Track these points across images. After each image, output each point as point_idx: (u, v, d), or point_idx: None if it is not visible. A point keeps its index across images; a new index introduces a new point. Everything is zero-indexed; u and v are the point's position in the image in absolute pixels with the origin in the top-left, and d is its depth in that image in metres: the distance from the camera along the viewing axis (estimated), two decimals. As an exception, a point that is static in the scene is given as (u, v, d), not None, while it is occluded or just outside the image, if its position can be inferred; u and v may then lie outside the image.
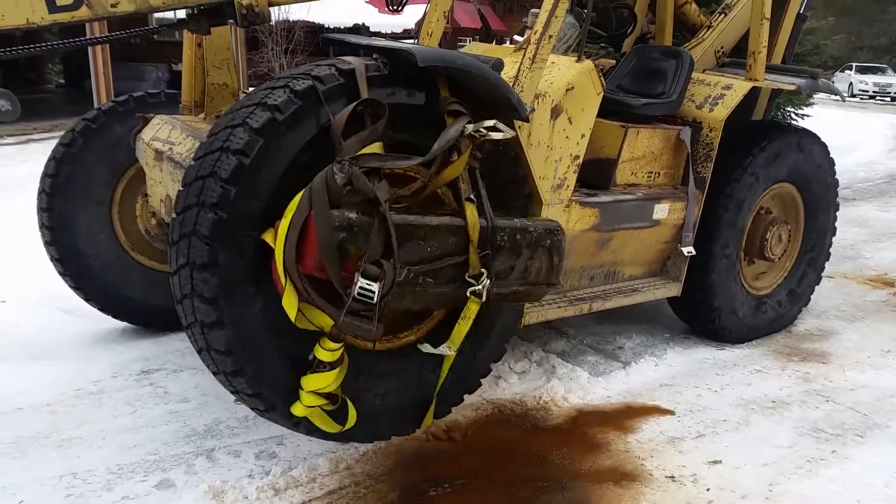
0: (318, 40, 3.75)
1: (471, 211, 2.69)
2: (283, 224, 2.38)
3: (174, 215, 2.51)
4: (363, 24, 19.24)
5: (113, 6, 2.81)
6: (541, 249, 2.88)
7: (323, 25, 17.12)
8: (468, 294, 2.71)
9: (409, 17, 18.14)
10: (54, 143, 4.03)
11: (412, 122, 2.71)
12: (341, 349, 2.58)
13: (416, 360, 2.97)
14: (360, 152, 2.48)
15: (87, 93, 11.40)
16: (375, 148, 2.55)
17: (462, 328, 2.84)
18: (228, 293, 2.44)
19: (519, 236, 2.81)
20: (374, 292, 2.39)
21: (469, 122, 2.66)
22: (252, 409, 2.74)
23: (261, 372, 2.57)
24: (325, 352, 2.55)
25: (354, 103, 2.51)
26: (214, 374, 2.64)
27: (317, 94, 2.52)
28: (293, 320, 2.43)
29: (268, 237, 2.44)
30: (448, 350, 2.89)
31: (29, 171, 6.80)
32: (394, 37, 17.59)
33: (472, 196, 2.73)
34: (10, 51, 2.83)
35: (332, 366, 2.58)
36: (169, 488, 2.86)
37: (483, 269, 2.71)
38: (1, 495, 2.78)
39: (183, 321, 2.57)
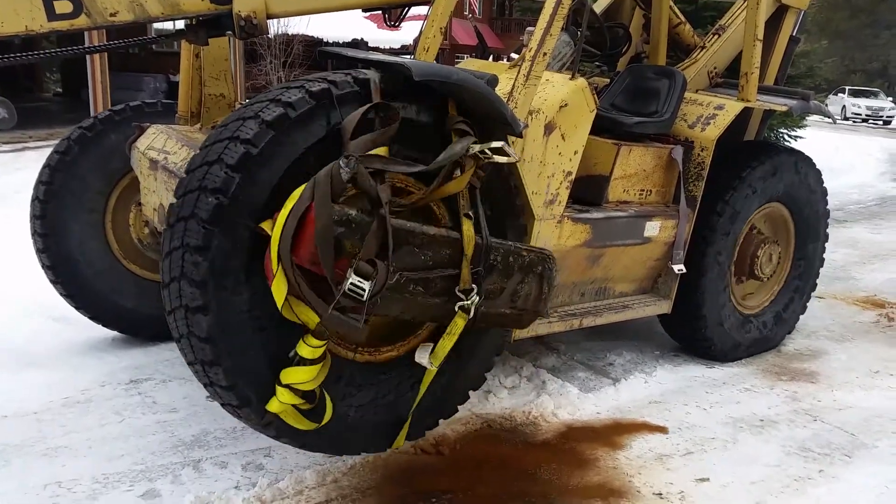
0: (316, 54, 3.78)
1: (467, 226, 2.72)
2: (283, 213, 2.39)
3: (173, 199, 2.51)
4: (362, 38, 19.33)
5: (112, 15, 2.83)
6: (532, 275, 2.89)
7: (321, 39, 17.20)
8: (456, 309, 2.72)
9: (408, 33, 18.22)
10: (50, 151, 4.04)
11: (418, 138, 2.74)
12: (324, 347, 2.56)
13: (395, 375, 2.96)
14: (367, 153, 2.50)
15: (85, 102, 11.42)
16: (382, 152, 2.58)
17: (446, 344, 2.82)
18: (217, 278, 2.43)
19: (512, 258, 2.83)
20: (364, 290, 2.39)
21: (475, 142, 2.70)
22: (224, 404, 2.66)
23: (239, 364, 2.52)
24: (308, 348, 2.53)
25: (368, 105, 2.55)
26: (190, 364, 2.59)
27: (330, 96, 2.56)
28: (280, 308, 2.42)
29: (265, 226, 2.45)
30: (429, 364, 2.86)
31: (24, 179, 6.78)
32: (392, 52, 17.69)
33: (469, 212, 2.76)
34: (7, 58, 2.84)
35: (313, 362, 2.56)
36: (155, 498, 2.85)
37: (473, 286, 2.73)
38: (-16, 503, 2.77)
39: (167, 306, 2.53)
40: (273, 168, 2.48)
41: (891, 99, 31.85)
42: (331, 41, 17.79)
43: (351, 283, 2.37)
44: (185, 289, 2.43)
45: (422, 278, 2.61)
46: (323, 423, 2.71)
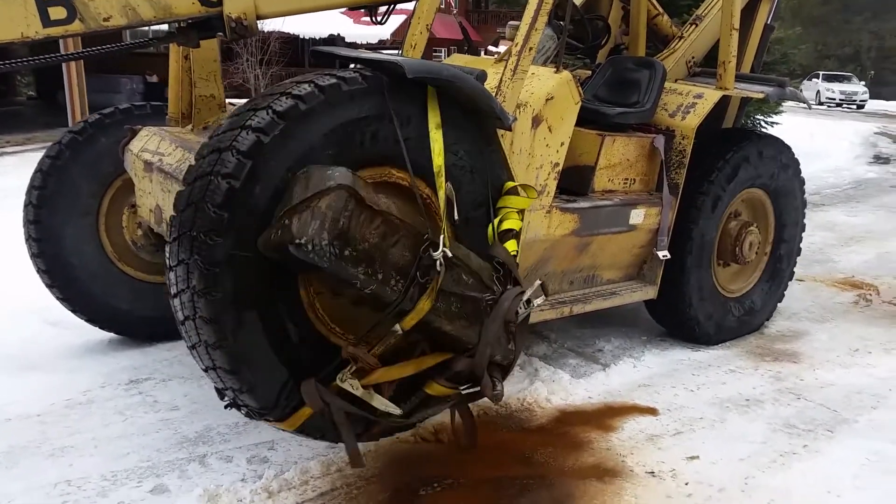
0: (293, 51, 3.81)
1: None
2: None
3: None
4: (339, 34, 19.27)
5: (105, 20, 2.87)
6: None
7: (298, 36, 17.12)
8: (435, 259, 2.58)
9: (386, 27, 18.23)
10: (28, 155, 4.05)
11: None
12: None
13: None
14: None
15: (60, 105, 11.28)
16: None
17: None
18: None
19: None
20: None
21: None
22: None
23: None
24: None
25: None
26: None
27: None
28: None
29: None
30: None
31: (4, 185, 6.76)
32: (370, 47, 17.69)
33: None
34: (7, 63, 2.87)
35: None
36: (164, 493, 2.91)
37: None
38: (-5, 504, 2.81)
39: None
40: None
41: (863, 83, 32.35)
42: (307, 38, 17.70)
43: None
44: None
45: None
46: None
